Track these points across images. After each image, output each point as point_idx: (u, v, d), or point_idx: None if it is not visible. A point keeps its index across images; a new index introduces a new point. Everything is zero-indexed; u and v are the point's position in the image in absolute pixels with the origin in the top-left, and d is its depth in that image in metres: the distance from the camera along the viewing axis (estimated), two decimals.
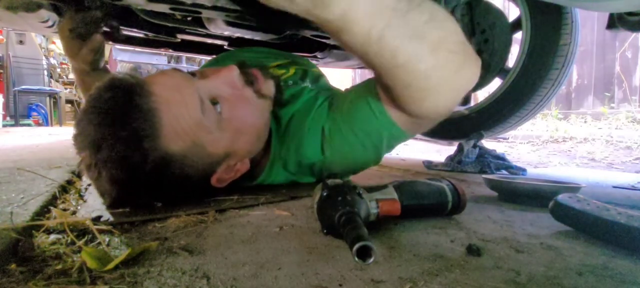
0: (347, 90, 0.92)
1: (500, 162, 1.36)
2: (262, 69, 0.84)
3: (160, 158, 0.65)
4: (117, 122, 0.62)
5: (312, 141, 0.84)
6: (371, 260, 0.41)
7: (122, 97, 0.64)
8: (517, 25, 1.36)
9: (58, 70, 7.83)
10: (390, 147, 0.85)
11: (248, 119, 0.76)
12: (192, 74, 0.74)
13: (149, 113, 0.63)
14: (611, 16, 0.95)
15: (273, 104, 0.83)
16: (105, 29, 1.03)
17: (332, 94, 0.92)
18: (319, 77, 1.07)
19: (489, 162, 1.34)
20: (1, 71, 6.21)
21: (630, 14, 0.87)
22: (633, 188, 1.11)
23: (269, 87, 0.81)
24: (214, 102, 0.71)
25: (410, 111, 0.70)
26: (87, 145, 0.63)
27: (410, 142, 3.19)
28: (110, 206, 0.69)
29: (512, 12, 1.92)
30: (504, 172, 1.32)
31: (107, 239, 0.53)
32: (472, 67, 0.62)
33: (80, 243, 0.50)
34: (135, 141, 0.63)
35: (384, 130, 0.78)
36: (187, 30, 1.31)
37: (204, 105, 0.69)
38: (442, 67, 0.59)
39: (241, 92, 0.76)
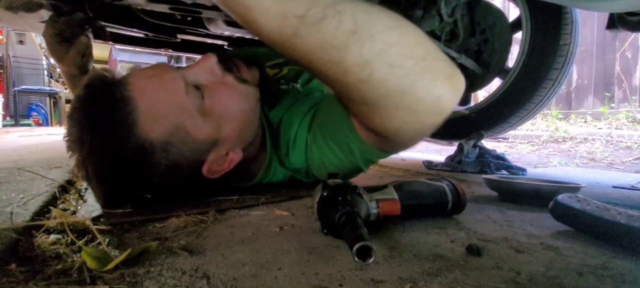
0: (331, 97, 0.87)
1: (500, 162, 1.36)
2: (247, 59, 0.84)
3: (141, 146, 0.64)
4: (94, 115, 0.63)
5: (298, 151, 0.84)
6: (371, 260, 0.41)
7: (97, 91, 0.65)
8: (517, 25, 1.36)
9: (58, 70, 7.82)
10: (366, 161, 0.79)
11: (231, 104, 0.75)
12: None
13: (123, 101, 0.64)
14: (611, 16, 0.95)
15: (262, 99, 0.83)
16: (90, 30, 1.03)
17: (319, 102, 0.88)
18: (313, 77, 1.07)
19: (489, 162, 1.34)
20: (1, 71, 6.21)
21: (630, 14, 0.87)
22: (633, 188, 1.11)
23: (252, 74, 0.81)
24: (197, 87, 0.71)
25: (369, 127, 0.66)
26: (72, 145, 0.64)
27: None
28: (105, 204, 0.69)
29: (512, 12, 1.92)
30: (504, 172, 1.32)
31: (107, 239, 0.53)
32: (438, 84, 0.54)
33: (80, 243, 0.50)
34: (111, 130, 0.63)
35: (353, 145, 0.73)
36: (187, 30, 1.31)
37: (188, 88, 0.69)
38: (380, 83, 0.53)
39: (222, 78, 0.75)
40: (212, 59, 0.75)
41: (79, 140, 0.63)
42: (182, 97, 0.68)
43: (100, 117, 0.63)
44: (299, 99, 0.91)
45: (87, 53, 1.02)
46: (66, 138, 0.65)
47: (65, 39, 0.97)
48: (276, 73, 1.01)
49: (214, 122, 0.72)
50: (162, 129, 0.66)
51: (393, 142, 0.69)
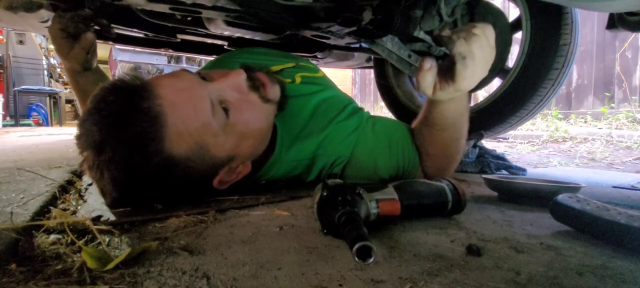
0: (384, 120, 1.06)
1: (500, 162, 1.36)
2: (268, 73, 0.85)
3: (164, 161, 0.65)
4: (121, 124, 0.62)
5: (347, 141, 0.92)
6: (371, 260, 0.41)
7: (126, 99, 0.64)
8: (517, 25, 1.36)
9: (58, 70, 7.83)
10: (398, 162, 0.95)
11: (253, 123, 0.77)
12: (198, 74, 0.75)
13: (154, 116, 0.63)
14: (611, 16, 0.94)
15: (278, 107, 0.84)
16: (96, 27, 1.02)
17: (368, 116, 1.01)
18: (324, 79, 1.10)
19: (489, 162, 1.34)
20: (1, 71, 6.21)
21: (630, 14, 0.87)
22: (633, 188, 1.11)
23: (274, 92, 0.82)
24: (224, 107, 0.72)
25: (430, 169, 0.94)
26: (89, 146, 0.63)
27: None
28: (111, 205, 0.69)
29: (512, 12, 1.92)
30: (504, 172, 1.32)
31: (107, 239, 0.53)
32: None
33: (80, 243, 0.49)
34: (138, 144, 0.63)
35: (408, 167, 0.94)
36: (187, 30, 1.31)
37: (214, 109, 0.69)
38: (461, 148, 0.91)
39: (247, 96, 0.76)
40: (241, 77, 0.75)
41: (99, 143, 0.62)
42: (209, 118, 0.68)
43: (129, 128, 0.62)
44: (336, 97, 1.03)
45: (91, 50, 1.01)
46: (81, 136, 0.64)
47: (70, 34, 0.97)
48: (279, 71, 1.03)
49: (234, 139, 0.73)
50: (186, 146, 0.66)
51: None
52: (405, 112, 1.68)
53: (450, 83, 0.71)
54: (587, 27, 3.86)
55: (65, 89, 7.42)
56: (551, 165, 1.85)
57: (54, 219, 0.57)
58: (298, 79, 1.03)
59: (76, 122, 0.73)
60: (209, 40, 1.49)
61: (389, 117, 1.53)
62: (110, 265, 0.43)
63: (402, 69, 1.35)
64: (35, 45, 6.68)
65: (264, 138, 0.83)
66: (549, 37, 1.25)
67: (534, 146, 2.75)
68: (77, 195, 0.81)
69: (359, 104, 1.06)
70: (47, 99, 6.69)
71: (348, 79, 7.34)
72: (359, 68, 2.30)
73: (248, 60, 0.94)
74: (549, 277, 0.43)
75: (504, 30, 1.35)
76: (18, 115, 6.04)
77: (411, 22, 1.06)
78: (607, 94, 3.80)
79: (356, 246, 0.41)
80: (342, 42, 1.47)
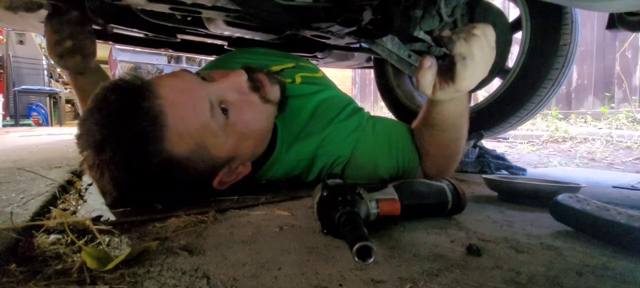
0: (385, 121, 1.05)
1: (500, 162, 1.36)
2: (268, 73, 0.85)
3: (164, 161, 0.65)
4: (121, 124, 0.62)
5: (347, 141, 0.91)
6: (371, 260, 0.41)
7: (127, 99, 0.64)
8: (517, 25, 1.36)
9: (58, 70, 7.82)
10: (399, 160, 0.95)
11: (253, 124, 0.77)
12: (198, 75, 0.75)
13: (155, 116, 0.63)
14: (611, 16, 0.94)
15: (278, 108, 0.84)
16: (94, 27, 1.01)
17: (368, 116, 1.01)
18: (324, 79, 1.10)
19: (489, 162, 1.34)
20: (1, 71, 6.21)
21: (630, 14, 0.87)
22: (633, 188, 1.11)
23: (274, 93, 0.82)
24: (223, 107, 0.72)
25: (431, 169, 0.93)
26: (90, 146, 0.63)
27: None
28: (111, 205, 0.69)
29: (512, 12, 1.92)
30: (504, 172, 1.32)
31: (107, 239, 0.53)
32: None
33: (80, 243, 0.49)
34: (139, 144, 0.63)
35: (407, 164, 0.93)
36: (187, 30, 1.31)
37: (213, 110, 0.69)
38: (461, 148, 0.91)
39: (247, 97, 0.76)
40: (242, 77, 0.76)
41: (99, 143, 0.62)
42: (208, 118, 0.68)
43: (129, 128, 0.62)
44: (337, 97, 1.03)
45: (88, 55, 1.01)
46: (82, 135, 0.64)
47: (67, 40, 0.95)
48: (279, 71, 1.03)
49: (234, 140, 0.73)
50: (186, 146, 0.66)
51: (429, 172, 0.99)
52: (405, 112, 1.68)
53: (450, 83, 0.71)
54: (587, 27, 3.85)
55: (65, 89, 7.41)
56: (551, 165, 1.85)
57: (54, 219, 0.57)
58: (298, 79, 1.03)
59: (76, 122, 0.73)
60: (209, 40, 1.49)
61: (389, 117, 1.53)
62: (110, 265, 0.43)
63: (402, 69, 1.35)
64: (35, 45, 6.68)
65: (264, 138, 0.83)
66: (549, 37, 1.25)
67: (534, 146, 2.75)
68: (77, 195, 0.81)
69: (359, 104, 1.06)
70: (47, 99, 6.69)
71: (348, 79, 7.34)
72: (359, 68, 2.30)
73: (248, 61, 0.94)
74: (549, 277, 0.43)
75: (504, 31, 1.35)
76: (18, 115, 6.04)
77: (411, 22, 1.06)
78: (607, 94, 3.80)
79: (356, 246, 0.41)
80: (342, 42, 1.47)
